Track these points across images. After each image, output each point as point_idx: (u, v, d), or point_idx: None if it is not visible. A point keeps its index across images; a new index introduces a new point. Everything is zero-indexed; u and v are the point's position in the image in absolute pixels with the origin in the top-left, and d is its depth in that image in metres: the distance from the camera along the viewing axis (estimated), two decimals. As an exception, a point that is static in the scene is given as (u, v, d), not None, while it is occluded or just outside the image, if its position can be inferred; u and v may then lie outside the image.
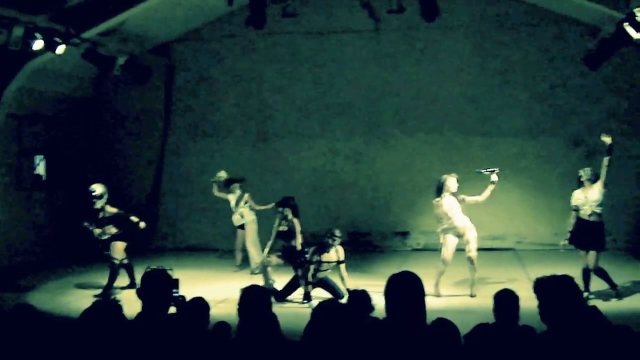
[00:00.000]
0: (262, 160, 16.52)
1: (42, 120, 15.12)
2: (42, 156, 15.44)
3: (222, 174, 13.55)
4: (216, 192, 13.59)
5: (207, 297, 5.97)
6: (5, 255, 13.72)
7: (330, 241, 10.50)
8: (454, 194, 10.75)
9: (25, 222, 14.51)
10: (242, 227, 13.43)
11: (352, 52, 16.24)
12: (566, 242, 10.38)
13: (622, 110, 15.27)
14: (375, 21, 15.55)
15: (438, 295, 10.60)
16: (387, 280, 3.98)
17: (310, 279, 10.48)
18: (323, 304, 4.14)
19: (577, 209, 10.25)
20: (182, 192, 16.82)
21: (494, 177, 10.84)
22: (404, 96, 16.07)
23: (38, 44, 11.44)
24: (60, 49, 11.82)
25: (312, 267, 10.45)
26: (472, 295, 10.70)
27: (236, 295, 4.34)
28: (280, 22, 14.84)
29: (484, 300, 8.00)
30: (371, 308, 6.41)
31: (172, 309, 4.95)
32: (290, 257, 10.74)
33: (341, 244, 10.73)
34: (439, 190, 10.76)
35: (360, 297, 6.40)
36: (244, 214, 13.35)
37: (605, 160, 10.02)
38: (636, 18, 10.14)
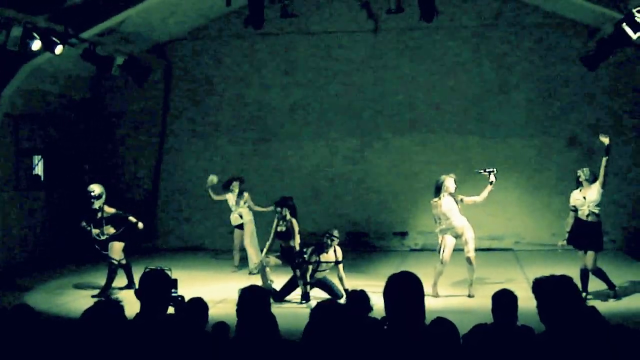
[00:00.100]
0: (261, 161, 16.52)
1: (40, 121, 15.11)
2: (40, 156, 15.42)
3: (213, 179, 13.57)
4: (215, 197, 13.60)
5: (206, 297, 5.96)
6: (4, 255, 13.70)
7: (328, 241, 10.51)
8: (452, 195, 10.75)
9: (23, 222, 14.50)
10: (239, 226, 13.43)
11: (350, 52, 16.24)
12: (564, 242, 10.39)
13: (621, 110, 15.28)
14: (374, 21, 15.55)
15: (436, 296, 10.60)
16: (387, 280, 3.97)
17: (308, 279, 10.48)
18: (321, 305, 4.14)
19: (575, 209, 10.25)
20: (180, 192, 16.81)
21: (492, 178, 10.85)
22: (403, 96, 16.07)
23: (36, 44, 11.43)
24: (59, 49, 11.80)
25: (310, 267, 10.45)
26: (470, 296, 10.70)
27: (235, 296, 4.34)
28: (279, 23, 14.86)
29: (483, 301, 8.00)
30: (370, 308, 6.42)
31: (171, 309, 4.96)
32: (289, 258, 10.73)
33: (339, 244, 10.74)
34: (437, 190, 10.76)
35: (359, 297, 6.41)
36: (243, 214, 13.35)
37: (604, 160, 10.03)
38: (634, 18, 10.15)
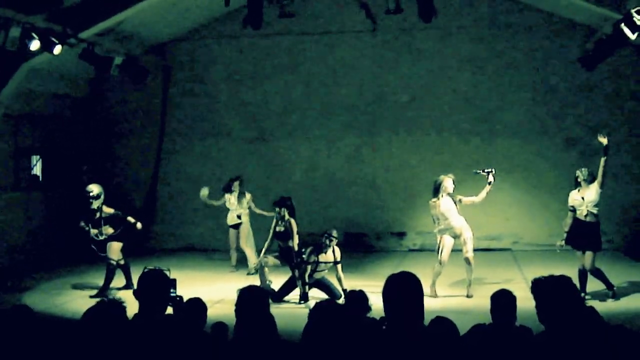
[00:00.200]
0: (259, 161, 16.52)
1: (39, 121, 15.10)
2: (38, 156, 15.41)
3: (204, 192, 13.59)
4: (215, 203, 13.63)
5: (204, 298, 5.96)
6: (2, 255, 13.69)
7: (327, 242, 10.50)
8: (450, 195, 10.76)
9: (21, 222, 14.49)
10: (235, 226, 13.43)
11: (349, 52, 16.25)
12: (562, 242, 10.40)
13: (619, 111, 15.30)
14: (372, 22, 15.56)
15: (435, 296, 10.61)
16: (386, 280, 3.97)
17: (307, 279, 10.48)
18: (320, 305, 4.14)
19: (573, 210, 10.26)
20: (178, 193, 16.80)
21: (491, 178, 10.85)
22: (401, 96, 16.08)
23: (35, 44, 11.42)
24: (57, 49, 11.80)
25: (309, 267, 10.45)
26: (469, 296, 10.70)
27: (233, 296, 4.35)
28: (277, 23, 14.87)
29: (481, 301, 8.01)
30: (368, 308, 6.42)
31: (170, 310, 4.95)
32: (288, 258, 10.73)
33: (338, 244, 10.74)
34: (436, 190, 10.77)
35: (358, 298, 6.41)
36: (242, 215, 13.35)
37: (602, 161, 10.03)
38: (633, 19, 10.15)
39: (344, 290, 10.29)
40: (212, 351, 4.52)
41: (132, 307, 4.51)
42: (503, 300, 5.59)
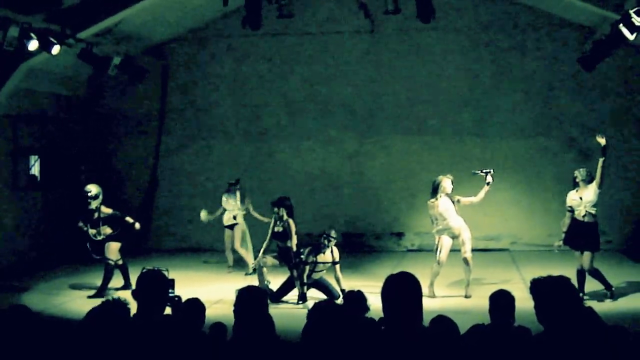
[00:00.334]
0: (258, 161, 16.51)
1: (37, 121, 15.07)
2: (37, 156, 15.40)
3: (204, 215, 13.56)
4: (217, 213, 13.57)
5: (203, 298, 5.96)
6: (0, 255, 13.67)
7: (325, 242, 10.50)
8: (449, 195, 10.77)
9: (20, 222, 14.46)
10: (230, 227, 13.42)
11: (348, 52, 16.25)
12: (561, 242, 10.40)
13: (617, 111, 15.31)
14: (371, 22, 15.56)
15: (433, 296, 10.61)
16: (385, 281, 3.97)
17: (305, 279, 10.48)
18: (318, 305, 4.14)
19: (572, 210, 10.27)
20: (177, 193, 16.79)
21: (489, 178, 10.87)
22: (400, 97, 16.08)
23: (33, 44, 11.41)
24: (56, 49, 11.79)
25: (307, 267, 10.45)
26: (467, 296, 10.71)
27: (231, 296, 4.35)
28: (276, 23, 14.84)
29: (479, 301, 8.01)
30: (366, 309, 6.42)
31: (168, 310, 4.95)
32: (286, 258, 10.73)
33: (336, 244, 10.74)
34: (434, 191, 10.78)
35: (356, 298, 6.42)
36: (238, 216, 13.33)
37: (600, 161, 10.04)
38: (631, 19, 10.16)
39: (343, 291, 10.29)
40: (210, 351, 4.52)
41: (130, 307, 4.51)
42: (502, 301, 5.60)
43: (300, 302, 10.39)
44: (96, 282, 11.74)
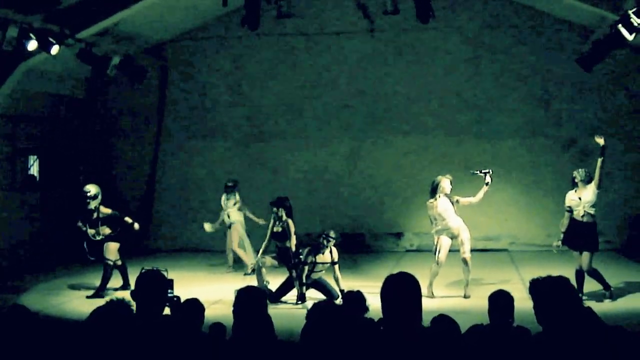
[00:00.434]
0: (257, 161, 16.51)
1: (36, 121, 15.07)
2: (36, 156, 15.40)
3: (208, 227, 13.55)
4: (221, 219, 13.52)
5: (202, 298, 5.96)
6: (-1, 255, 13.70)
7: (324, 242, 10.50)
8: (448, 195, 10.77)
9: (18, 222, 14.45)
10: (228, 226, 13.43)
11: (346, 53, 16.24)
12: (559, 243, 10.40)
13: (616, 111, 15.32)
14: (370, 22, 15.56)
15: (432, 297, 10.60)
16: (384, 281, 3.97)
17: (304, 280, 10.48)
18: (317, 305, 4.14)
19: (570, 210, 10.27)
20: (175, 193, 16.79)
21: (488, 179, 10.87)
22: (399, 97, 16.08)
23: (32, 44, 11.42)
24: (55, 50, 11.79)
25: (306, 268, 10.45)
26: (466, 297, 10.71)
27: (230, 296, 4.35)
28: (274, 23, 14.87)
29: (478, 301, 8.02)
30: (365, 309, 6.42)
31: (167, 310, 4.94)
32: (285, 258, 10.73)
33: (335, 245, 10.73)
34: (433, 191, 10.78)
35: (355, 298, 6.42)
36: (231, 214, 13.30)
37: (599, 161, 10.05)
38: (630, 20, 10.17)
39: (342, 291, 10.29)
40: (209, 352, 4.51)
41: (132, 308, 4.51)
42: (501, 301, 5.60)
43: (299, 302, 10.38)
44: (95, 282, 11.74)
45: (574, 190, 10.28)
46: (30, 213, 14.88)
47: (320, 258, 10.55)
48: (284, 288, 10.74)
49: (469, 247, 10.78)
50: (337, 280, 10.62)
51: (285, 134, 16.48)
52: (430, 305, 9.79)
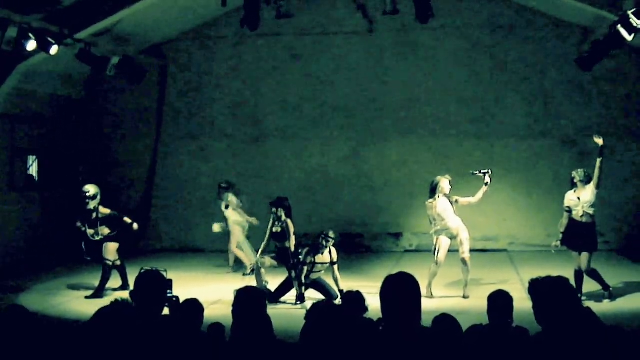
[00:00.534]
0: (256, 161, 16.50)
1: (35, 121, 15.06)
2: (35, 157, 15.39)
3: (216, 228, 13.47)
4: (230, 215, 13.48)
5: (201, 299, 5.96)
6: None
7: (323, 242, 10.49)
8: (447, 196, 10.77)
9: (17, 222, 14.45)
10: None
11: (346, 53, 16.25)
12: (558, 243, 10.40)
13: (615, 112, 15.32)
14: (369, 22, 15.57)
15: (431, 297, 10.60)
16: (383, 281, 3.97)
17: (303, 280, 10.48)
18: (317, 306, 4.14)
19: (569, 210, 10.27)
20: (175, 193, 16.78)
21: (487, 179, 10.87)
22: (398, 97, 16.08)
23: (31, 45, 11.41)
24: (54, 50, 11.78)
25: (305, 268, 10.45)
26: (465, 297, 10.71)
27: (230, 297, 4.35)
28: (274, 23, 14.85)
29: (477, 302, 8.01)
30: (365, 309, 6.42)
31: (166, 310, 4.94)
32: (284, 258, 10.72)
33: (334, 245, 10.73)
34: (433, 191, 10.78)
35: (354, 298, 6.42)
36: (226, 215, 13.28)
37: (598, 161, 10.05)
38: (629, 20, 10.18)
39: (341, 291, 10.28)
40: (209, 352, 4.51)
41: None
42: (500, 301, 5.60)
43: (299, 302, 10.38)
44: (94, 282, 11.72)
45: (573, 191, 10.28)
46: (29, 213, 14.87)
47: (319, 258, 10.55)
48: (283, 288, 10.74)
49: (468, 247, 10.78)
50: (336, 280, 10.62)
51: (284, 134, 16.48)
52: (430, 305, 9.78)
